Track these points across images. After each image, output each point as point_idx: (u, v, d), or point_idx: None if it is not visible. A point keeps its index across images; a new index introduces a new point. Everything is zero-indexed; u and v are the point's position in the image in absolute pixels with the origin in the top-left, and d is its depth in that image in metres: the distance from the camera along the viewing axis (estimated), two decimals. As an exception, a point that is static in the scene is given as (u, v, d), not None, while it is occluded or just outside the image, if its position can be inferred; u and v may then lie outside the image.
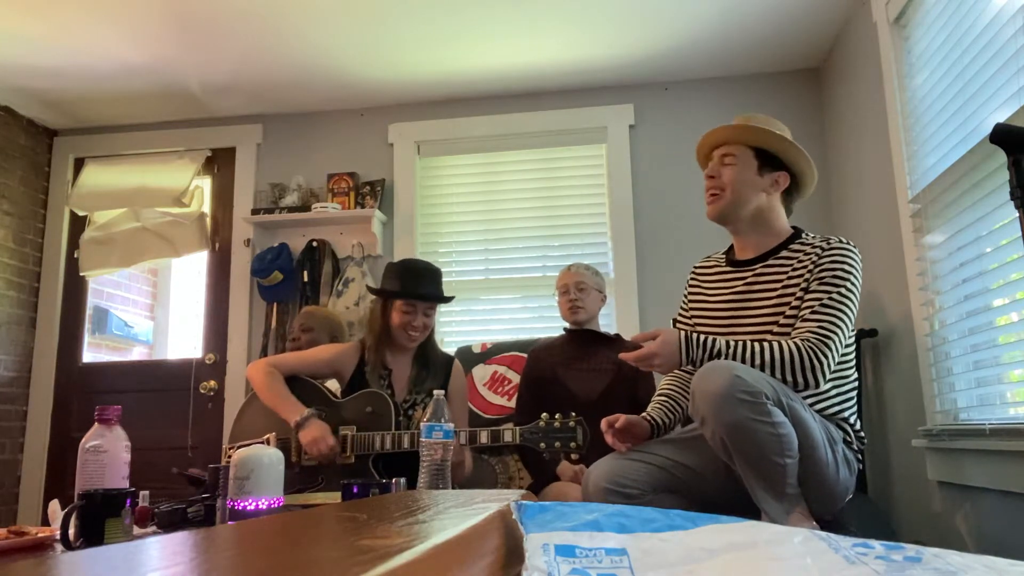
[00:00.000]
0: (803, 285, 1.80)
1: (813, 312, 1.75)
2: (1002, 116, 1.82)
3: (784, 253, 1.89)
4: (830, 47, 3.25)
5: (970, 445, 1.97)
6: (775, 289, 1.85)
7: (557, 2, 2.88)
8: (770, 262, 1.89)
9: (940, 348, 2.23)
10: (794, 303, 1.80)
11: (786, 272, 1.85)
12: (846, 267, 1.78)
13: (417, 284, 2.43)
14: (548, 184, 3.61)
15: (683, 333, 1.75)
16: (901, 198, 2.47)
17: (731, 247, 2.04)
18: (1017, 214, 1.23)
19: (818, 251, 1.82)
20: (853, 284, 1.77)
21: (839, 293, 1.75)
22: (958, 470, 2.08)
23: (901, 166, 2.47)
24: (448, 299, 2.49)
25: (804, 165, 1.94)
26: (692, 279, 2.08)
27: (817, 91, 3.44)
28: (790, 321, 1.80)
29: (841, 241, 1.82)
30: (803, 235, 1.92)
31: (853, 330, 1.82)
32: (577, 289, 2.62)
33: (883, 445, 2.73)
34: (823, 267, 1.78)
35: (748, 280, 1.91)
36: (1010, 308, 1.90)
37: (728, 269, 1.98)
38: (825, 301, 1.75)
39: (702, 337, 1.74)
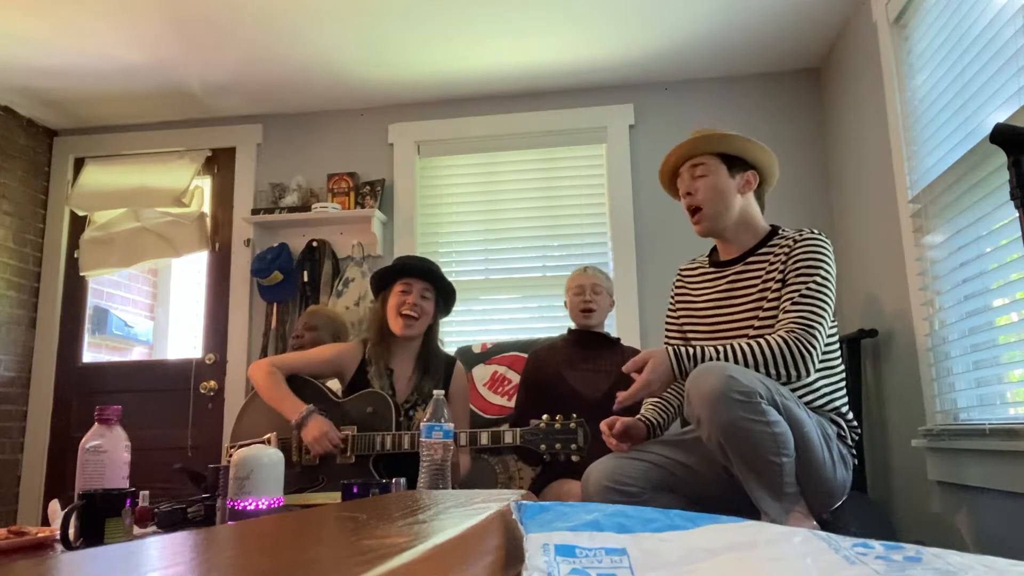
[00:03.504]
0: (779, 277, 1.86)
1: (794, 303, 1.79)
2: (1002, 116, 1.82)
3: (763, 251, 1.95)
4: (830, 47, 3.25)
5: (970, 445, 1.97)
6: (755, 285, 1.91)
7: (557, 2, 2.88)
8: (749, 260, 1.96)
9: (940, 348, 2.23)
10: (771, 296, 1.86)
11: (764, 268, 1.91)
12: (818, 256, 1.83)
13: (413, 264, 2.47)
14: (548, 184, 3.61)
15: (671, 349, 1.77)
16: (901, 198, 2.47)
17: (714, 248, 2.10)
18: (1017, 214, 1.23)
19: (790, 243, 1.88)
20: (827, 271, 1.83)
21: (815, 282, 1.80)
22: (958, 470, 2.08)
23: (901, 166, 2.47)
24: (449, 287, 2.50)
25: (766, 158, 2.01)
26: (678, 281, 2.15)
27: (817, 91, 3.44)
28: (769, 314, 1.86)
29: (812, 232, 1.89)
30: (780, 231, 1.98)
31: (834, 320, 1.88)
32: (593, 292, 2.64)
33: (883, 445, 2.73)
34: (796, 258, 1.84)
35: (730, 279, 1.98)
36: (1010, 308, 1.90)
37: (711, 270, 2.05)
38: (803, 291, 1.80)
39: (691, 349, 1.77)
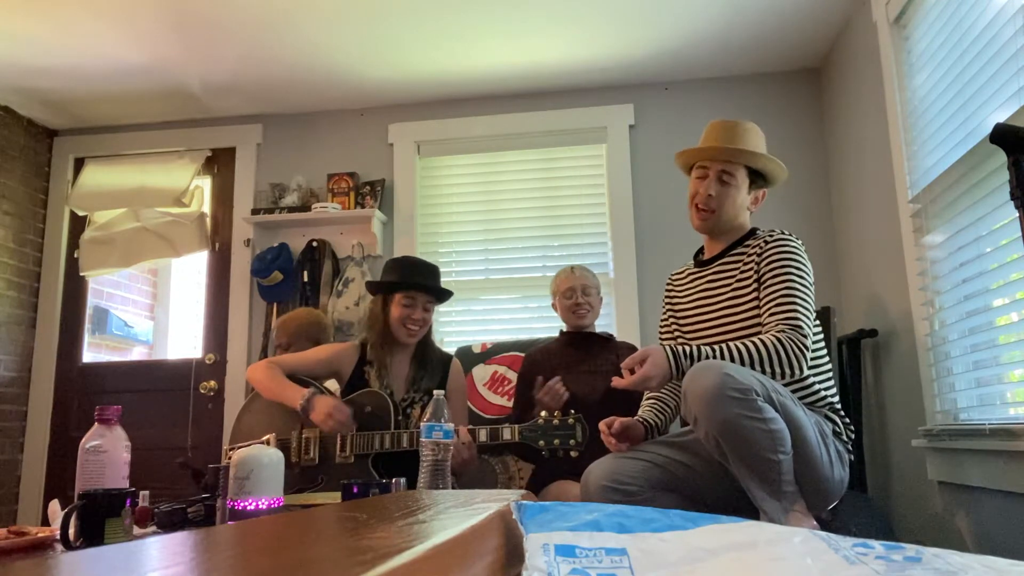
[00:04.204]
0: (754, 276, 1.92)
1: (777, 304, 1.84)
2: (1002, 116, 1.82)
3: (737, 250, 2.01)
4: (830, 47, 3.25)
5: (970, 445, 1.97)
6: (729, 284, 1.97)
7: (557, 2, 2.88)
8: (726, 258, 2.03)
9: (940, 348, 2.23)
10: (751, 293, 1.91)
11: (737, 267, 1.97)
12: (790, 255, 1.89)
13: (417, 276, 2.45)
14: (548, 184, 3.61)
15: (669, 348, 1.78)
16: (901, 198, 2.47)
17: (700, 248, 2.16)
18: (1017, 214, 1.23)
19: (762, 243, 1.94)
20: (801, 266, 1.88)
21: (791, 279, 1.86)
22: (958, 470, 2.08)
23: (901, 166, 2.47)
24: (448, 294, 2.49)
25: (780, 174, 2.06)
26: (668, 286, 2.21)
27: (817, 91, 3.44)
28: (744, 311, 1.91)
29: (783, 233, 1.95)
30: (757, 232, 2.03)
31: (817, 321, 1.94)
32: (584, 293, 2.63)
33: (883, 445, 2.73)
34: (768, 259, 1.90)
35: (708, 277, 2.05)
36: (1010, 308, 1.90)
37: (696, 270, 2.11)
38: (783, 291, 1.84)
39: (688, 348, 1.78)
